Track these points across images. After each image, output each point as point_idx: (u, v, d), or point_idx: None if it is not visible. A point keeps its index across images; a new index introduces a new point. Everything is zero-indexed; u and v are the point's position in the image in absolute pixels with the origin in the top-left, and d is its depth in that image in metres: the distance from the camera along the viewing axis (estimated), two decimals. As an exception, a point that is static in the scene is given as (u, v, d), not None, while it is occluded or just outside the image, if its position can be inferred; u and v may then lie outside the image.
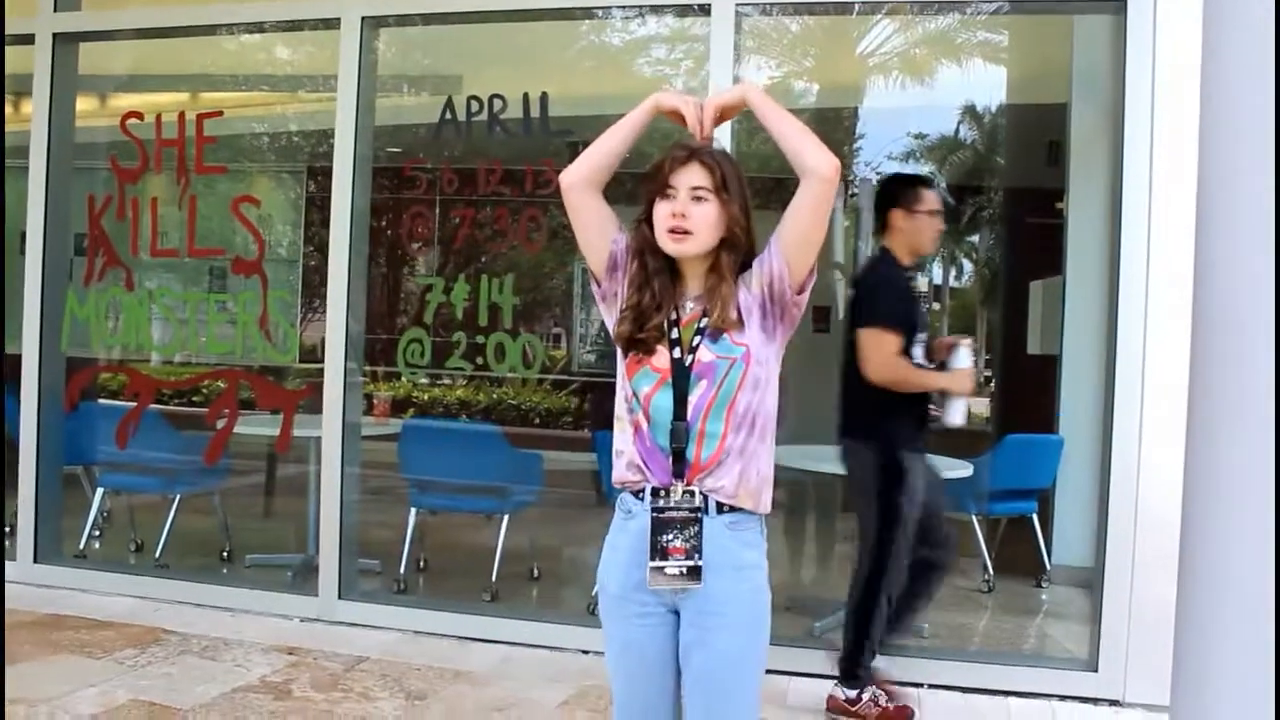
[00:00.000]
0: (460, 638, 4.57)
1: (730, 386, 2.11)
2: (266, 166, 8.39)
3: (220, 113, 5.44)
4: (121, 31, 5.56)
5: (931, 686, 4.15)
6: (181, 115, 5.18)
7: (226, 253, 5.41)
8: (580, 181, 2.22)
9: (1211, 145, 1.49)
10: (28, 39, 5.22)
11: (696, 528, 2.11)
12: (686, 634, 2.16)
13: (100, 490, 5.83)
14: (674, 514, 2.11)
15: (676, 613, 2.18)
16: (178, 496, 5.72)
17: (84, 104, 5.61)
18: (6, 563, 5.15)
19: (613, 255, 2.23)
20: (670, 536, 2.11)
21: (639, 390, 2.15)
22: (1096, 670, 4.10)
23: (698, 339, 2.14)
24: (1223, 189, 1.46)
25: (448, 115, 4.88)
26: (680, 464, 2.12)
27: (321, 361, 4.86)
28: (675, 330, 2.16)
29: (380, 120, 5.27)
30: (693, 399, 2.12)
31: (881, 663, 3.95)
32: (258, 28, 5.67)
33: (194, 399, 6.74)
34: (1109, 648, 4.07)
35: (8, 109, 6.09)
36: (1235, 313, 1.44)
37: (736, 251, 2.17)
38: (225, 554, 5.81)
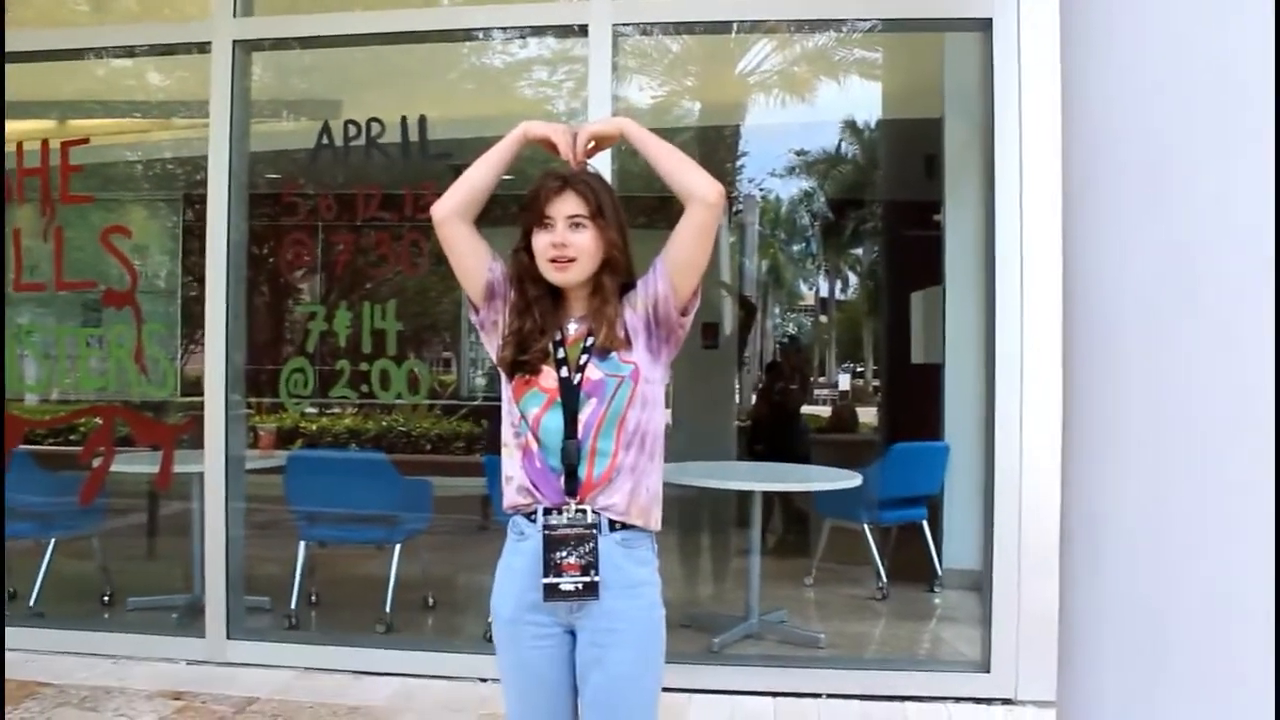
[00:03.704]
0: (355, 672, 4.46)
1: (620, 404, 2.11)
2: (141, 195, 8.12)
3: (87, 140, 5.25)
4: (-21, 57, 5.34)
5: (830, 696, 4.19)
6: (45, 143, 5.00)
7: (99, 285, 5.21)
8: (451, 214, 2.20)
9: (1073, 156, 1.55)
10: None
11: (591, 544, 2.10)
12: (584, 654, 2.15)
13: (-34, 538, 5.56)
14: (567, 531, 2.10)
15: (572, 633, 2.16)
16: (53, 541, 5.50)
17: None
18: None
19: (489, 284, 2.21)
20: (564, 553, 2.10)
21: (527, 412, 2.14)
22: (989, 671, 4.19)
23: (585, 357, 2.13)
24: (1085, 198, 1.51)
25: (324, 140, 4.80)
26: (572, 483, 2.11)
27: (203, 395, 4.71)
28: (561, 350, 2.15)
29: (258, 146, 5.15)
30: (583, 417, 2.11)
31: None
32: (128, 52, 5.49)
33: (71, 438, 6.47)
34: (1000, 648, 4.16)
35: None
36: (1103, 317, 1.49)
37: (617, 273, 2.17)
38: (106, 598, 5.57)
